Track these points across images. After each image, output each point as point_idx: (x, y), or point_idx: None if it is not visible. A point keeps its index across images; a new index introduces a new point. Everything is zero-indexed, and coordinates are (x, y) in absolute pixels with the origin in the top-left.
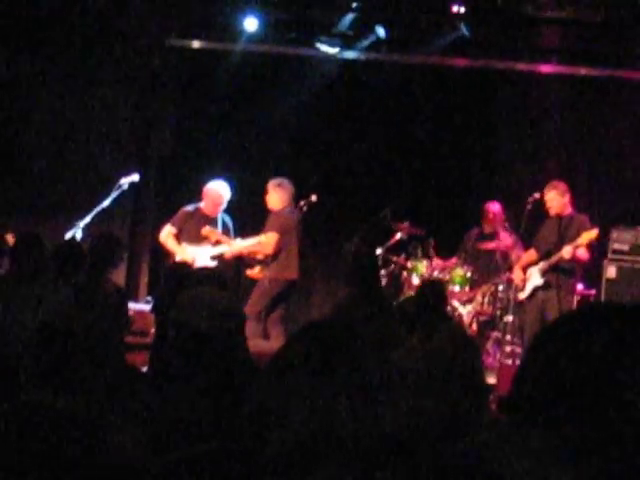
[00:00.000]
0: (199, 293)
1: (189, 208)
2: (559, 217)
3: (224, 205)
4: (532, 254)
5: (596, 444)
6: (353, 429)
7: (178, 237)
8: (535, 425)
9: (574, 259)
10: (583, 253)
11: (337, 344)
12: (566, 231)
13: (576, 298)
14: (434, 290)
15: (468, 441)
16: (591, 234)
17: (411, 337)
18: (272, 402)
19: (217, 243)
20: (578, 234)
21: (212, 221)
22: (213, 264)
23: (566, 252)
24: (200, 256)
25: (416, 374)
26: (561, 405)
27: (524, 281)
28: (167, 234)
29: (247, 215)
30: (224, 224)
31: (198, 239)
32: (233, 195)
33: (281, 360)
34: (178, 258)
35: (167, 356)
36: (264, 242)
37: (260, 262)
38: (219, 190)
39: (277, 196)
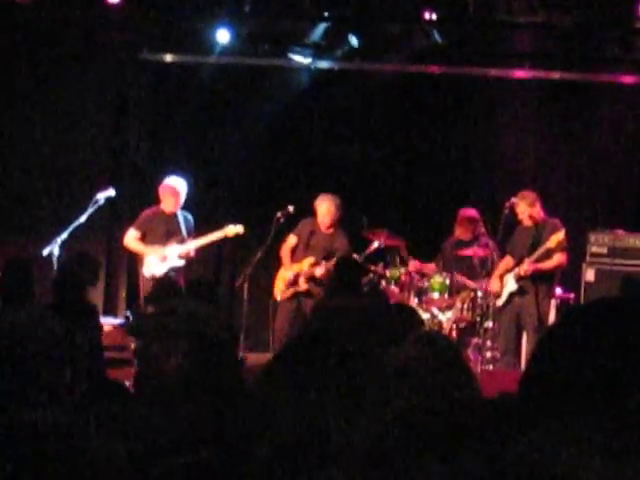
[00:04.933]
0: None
1: (150, 210)
2: (532, 224)
3: (182, 199)
4: (508, 261)
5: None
6: (343, 431)
7: (143, 240)
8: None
9: (537, 271)
10: (559, 257)
11: (325, 355)
12: (539, 236)
13: (555, 302)
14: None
15: (516, 443)
16: (559, 236)
17: (399, 345)
18: (260, 409)
19: (182, 242)
20: (549, 238)
21: (173, 219)
22: (181, 263)
23: (522, 270)
24: (169, 256)
25: (404, 374)
26: (579, 398)
27: (501, 288)
28: (131, 238)
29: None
30: (186, 220)
31: (163, 239)
32: (210, 206)
33: (269, 371)
34: (146, 260)
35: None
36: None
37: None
38: (175, 185)
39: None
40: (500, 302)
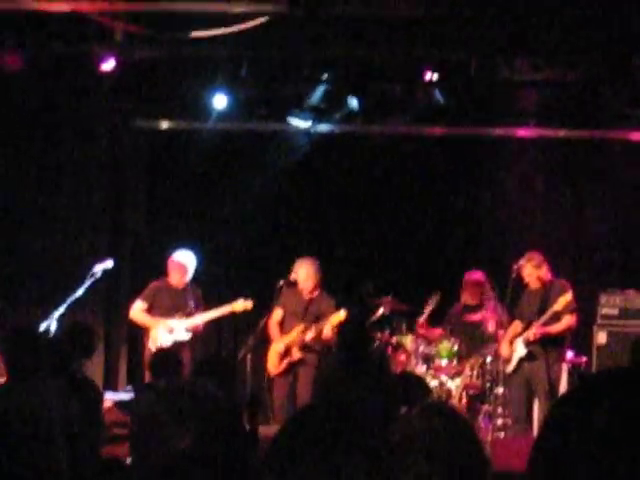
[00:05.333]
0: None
1: (157, 282)
2: (539, 286)
3: (189, 274)
4: (517, 325)
5: None
6: None
7: (150, 312)
8: None
9: (545, 335)
10: (568, 320)
11: (334, 426)
12: (547, 299)
13: (566, 366)
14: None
15: None
16: (566, 298)
17: (405, 415)
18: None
19: (189, 315)
20: (557, 300)
21: (181, 292)
22: (188, 336)
23: (531, 334)
24: (176, 328)
25: (412, 446)
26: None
27: (511, 354)
28: (138, 310)
29: (224, 295)
30: (194, 293)
31: (170, 312)
32: (211, 272)
33: (278, 451)
34: (153, 332)
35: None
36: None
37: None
38: (183, 260)
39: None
40: (510, 368)
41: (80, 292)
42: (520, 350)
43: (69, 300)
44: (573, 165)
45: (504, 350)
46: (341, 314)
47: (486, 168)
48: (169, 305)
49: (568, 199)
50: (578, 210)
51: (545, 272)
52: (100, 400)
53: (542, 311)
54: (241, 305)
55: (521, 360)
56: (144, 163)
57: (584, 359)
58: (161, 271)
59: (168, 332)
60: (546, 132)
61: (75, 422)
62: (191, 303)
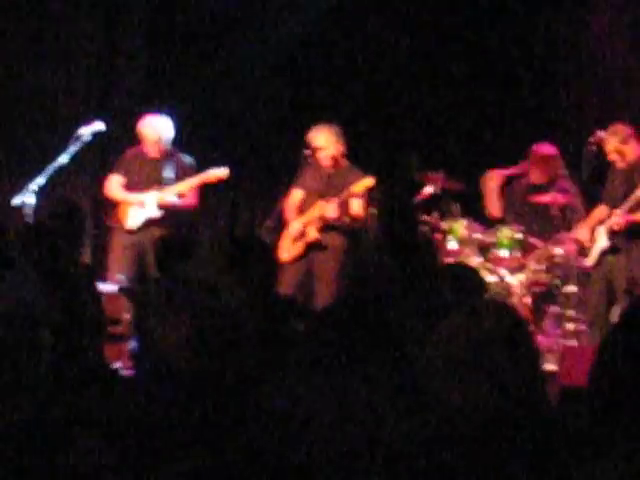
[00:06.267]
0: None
1: (133, 150)
2: (625, 166)
3: (166, 143)
4: (602, 210)
5: None
6: (399, 432)
7: (126, 186)
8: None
9: (631, 224)
10: None
11: (371, 325)
12: (632, 181)
13: None
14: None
15: None
16: None
17: (450, 318)
18: (292, 400)
19: (163, 188)
20: None
21: (157, 162)
22: (158, 213)
23: (614, 222)
24: (146, 203)
25: (463, 360)
26: None
27: (591, 243)
28: (115, 184)
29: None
30: (180, 167)
31: (142, 185)
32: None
33: (303, 349)
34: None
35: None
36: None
37: None
38: (149, 127)
39: None
40: (589, 262)
41: (64, 160)
42: (602, 241)
43: (50, 169)
44: None
45: (582, 234)
46: (368, 180)
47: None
48: (143, 177)
49: None
50: None
51: (634, 148)
52: (95, 289)
53: (627, 196)
54: (213, 174)
55: (603, 254)
56: (142, 10)
57: None
58: None
59: (138, 206)
60: None
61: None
62: (168, 174)
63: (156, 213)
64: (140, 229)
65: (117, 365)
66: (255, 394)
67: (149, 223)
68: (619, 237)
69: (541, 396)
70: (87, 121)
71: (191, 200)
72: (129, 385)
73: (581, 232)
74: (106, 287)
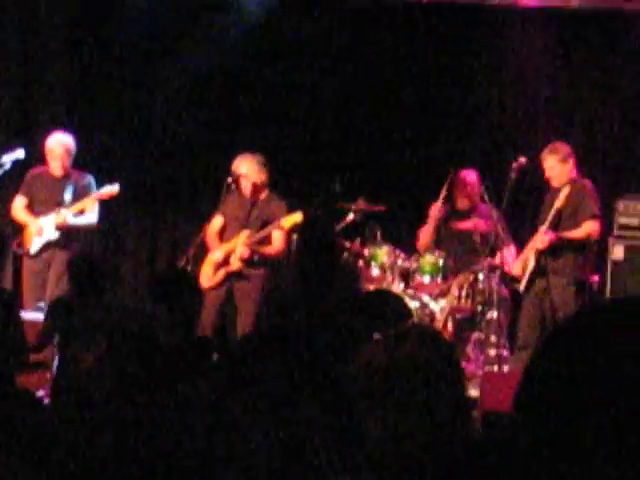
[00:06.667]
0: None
1: (36, 169)
2: (559, 184)
3: (67, 161)
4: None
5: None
6: (330, 455)
7: (29, 208)
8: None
9: (557, 242)
10: (590, 227)
11: (289, 355)
12: (573, 203)
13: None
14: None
15: None
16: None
17: (372, 342)
18: (224, 433)
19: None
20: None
21: (59, 181)
22: (56, 235)
23: (540, 240)
24: (44, 228)
25: (385, 388)
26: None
27: (523, 272)
28: (19, 207)
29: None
30: (79, 187)
31: (44, 206)
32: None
33: (218, 378)
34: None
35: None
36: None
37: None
38: (55, 144)
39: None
40: (521, 286)
41: None
42: (531, 263)
43: None
44: (588, 42)
45: (515, 268)
46: (296, 216)
47: (482, 43)
48: (44, 198)
49: (582, 84)
50: (594, 97)
51: (572, 167)
52: (17, 316)
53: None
54: (106, 192)
55: (532, 276)
56: (63, 29)
57: (596, 278)
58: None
59: (37, 234)
60: (555, 1)
61: None
62: (67, 196)
63: (54, 235)
64: (42, 253)
65: (39, 393)
66: (168, 424)
67: (50, 246)
68: (546, 257)
69: (467, 422)
70: (8, 149)
71: (93, 219)
72: (47, 411)
73: (515, 264)
74: (27, 315)
